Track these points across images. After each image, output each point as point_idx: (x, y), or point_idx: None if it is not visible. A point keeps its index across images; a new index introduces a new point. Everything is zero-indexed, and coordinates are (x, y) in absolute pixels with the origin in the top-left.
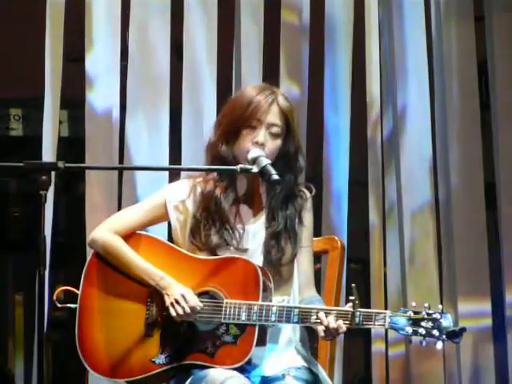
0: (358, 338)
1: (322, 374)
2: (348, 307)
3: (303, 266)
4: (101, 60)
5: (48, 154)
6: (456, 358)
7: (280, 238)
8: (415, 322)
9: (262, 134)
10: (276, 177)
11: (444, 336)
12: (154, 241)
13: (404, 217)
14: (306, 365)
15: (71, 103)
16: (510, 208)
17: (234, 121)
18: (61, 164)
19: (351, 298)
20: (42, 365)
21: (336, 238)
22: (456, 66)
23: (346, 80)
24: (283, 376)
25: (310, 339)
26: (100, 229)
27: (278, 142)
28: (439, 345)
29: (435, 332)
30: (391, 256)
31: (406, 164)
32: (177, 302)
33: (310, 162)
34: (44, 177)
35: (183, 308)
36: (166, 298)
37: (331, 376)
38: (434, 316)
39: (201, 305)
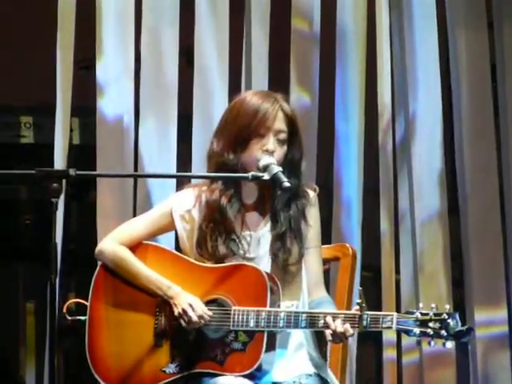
0: (370, 345)
1: (333, 380)
2: (355, 310)
3: (312, 266)
4: (111, 67)
5: (59, 161)
6: (471, 366)
7: (285, 239)
8: (423, 323)
9: (271, 142)
10: (287, 184)
11: (452, 336)
12: (161, 250)
13: (416, 225)
14: (316, 371)
15: (82, 110)
16: None
17: (242, 130)
18: (72, 172)
19: (358, 301)
20: (53, 373)
21: (348, 245)
22: (468, 69)
23: (357, 87)
24: (294, 382)
25: (320, 342)
26: (107, 240)
27: (285, 148)
28: (449, 344)
29: (443, 332)
30: (403, 264)
31: (417, 172)
32: (184, 311)
33: (321, 170)
34: (55, 184)
35: (190, 317)
36: (174, 308)
37: (342, 383)
38: (442, 316)
39: (209, 313)
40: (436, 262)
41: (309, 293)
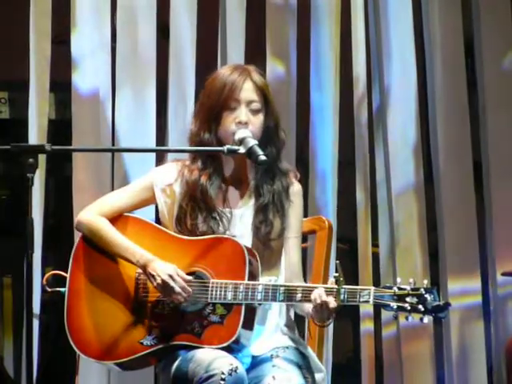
0: (347, 318)
1: (311, 354)
2: (330, 283)
3: (292, 256)
4: (86, 41)
5: (36, 136)
6: (446, 337)
7: (268, 212)
8: (400, 298)
9: (243, 113)
10: (263, 157)
11: (429, 311)
12: (142, 222)
13: (392, 196)
14: (294, 345)
15: (56, 85)
16: (499, 187)
17: (213, 106)
18: (47, 147)
19: (335, 274)
20: (31, 347)
21: (323, 218)
22: (442, 43)
23: (332, 59)
24: (271, 357)
25: (299, 327)
26: (86, 211)
27: (261, 116)
28: (426, 319)
29: (420, 307)
30: (381, 236)
31: (393, 144)
32: (165, 283)
33: (297, 141)
34: (31, 159)
35: (173, 288)
36: (151, 279)
37: (320, 356)
38: (419, 291)
39: (189, 278)
40: (412, 233)
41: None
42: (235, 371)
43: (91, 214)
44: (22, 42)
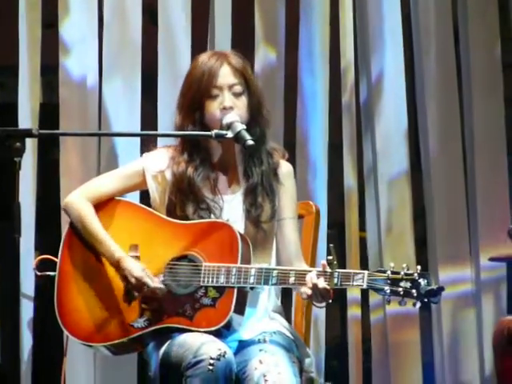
0: (334, 304)
1: (299, 339)
2: (322, 266)
3: (290, 237)
4: (76, 26)
5: (26, 120)
6: (436, 325)
7: (256, 194)
8: (394, 282)
9: (227, 98)
10: (251, 142)
11: (422, 295)
12: (134, 206)
13: (381, 183)
14: (281, 330)
15: (45, 69)
16: (486, 174)
17: (194, 95)
18: (35, 131)
19: (329, 257)
20: (18, 330)
21: (311, 203)
22: (432, 28)
23: (322, 44)
24: (259, 341)
25: (285, 307)
26: (75, 193)
27: (244, 99)
28: (418, 304)
29: (414, 292)
30: (369, 222)
31: (383, 129)
32: (134, 286)
33: (287, 126)
34: (18, 143)
35: (139, 293)
36: (123, 280)
37: (307, 341)
38: (413, 276)
39: (158, 286)
40: (403, 220)
41: (291, 265)
42: (223, 356)
43: (79, 198)
44: (11, 27)
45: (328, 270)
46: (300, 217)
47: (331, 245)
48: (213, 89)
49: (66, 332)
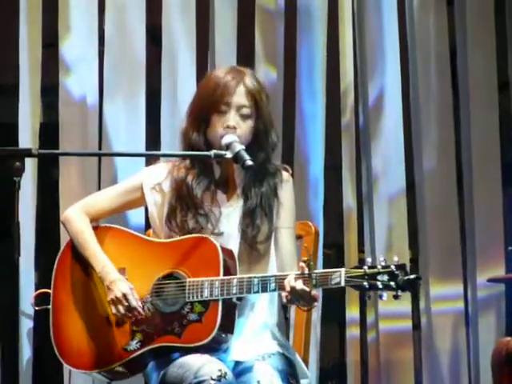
0: (333, 323)
1: (297, 359)
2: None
3: (285, 246)
4: (76, 46)
5: (26, 140)
6: (430, 342)
7: (255, 216)
8: (371, 277)
9: (232, 118)
10: (250, 162)
11: (401, 286)
12: (119, 231)
13: (380, 203)
14: (280, 351)
15: (47, 89)
16: (481, 191)
17: (203, 107)
18: (34, 150)
19: (304, 258)
20: (17, 349)
21: (310, 224)
22: (430, 49)
23: (320, 65)
24: (257, 361)
25: (286, 325)
26: (74, 208)
27: (250, 122)
28: (400, 295)
29: (392, 284)
30: (367, 242)
31: (382, 150)
32: (118, 300)
33: (286, 147)
34: (18, 163)
35: (122, 307)
36: (108, 292)
37: (306, 361)
38: (390, 269)
39: (140, 306)
40: (401, 238)
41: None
42: (224, 377)
43: (77, 212)
44: (11, 46)
45: (306, 271)
46: (299, 237)
47: (305, 245)
48: (222, 105)
49: (62, 361)
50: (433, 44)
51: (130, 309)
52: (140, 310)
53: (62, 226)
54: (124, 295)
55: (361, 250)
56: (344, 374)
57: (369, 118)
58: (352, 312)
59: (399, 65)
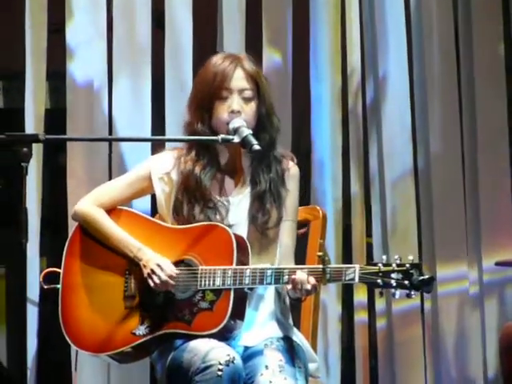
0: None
1: (304, 344)
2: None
3: (283, 238)
4: (82, 30)
5: (33, 126)
6: (437, 323)
7: (265, 200)
8: (385, 274)
9: (235, 102)
10: (257, 147)
11: (415, 286)
12: (133, 215)
13: (386, 185)
14: (287, 335)
15: (53, 75)
16: (488, 175)
17: (204, 95)
18: (41, 136)
19: (319, 253)
20: (25, 336)
21: (318, 208)
22: (435, 31)
23: (329, 49)
24: (265, 346)
25: (292, 312)
26: (84, 201)
27: (253, 105)
28: (413, 295)
29: (406, 283)
30: (375, 225)
31: (388, 132)
32: (153, 271)
33: (293, 131)
34: (25, 149)
35: (159, 277)
36: (143, 269)
37: (314, 346)
38: (405, 267)
39: (177, 271)
40: (407, 219)
41: (278, 264)
42: (232, 362)
43: (88, 204)
44: (17, 32)
45: (320, 266)
46: (307, 222)
47: (321, 240)
48: (223, 91)
49: (71, 344)
50: (437, 22)
51: (165, 277)
52: (175, 275)
53: (69, 213)
54: (158, 265)
55: (368, 234)
56: (353, 357)
57: (376, 99)
58: (359, 296)
59: (405, 48)
